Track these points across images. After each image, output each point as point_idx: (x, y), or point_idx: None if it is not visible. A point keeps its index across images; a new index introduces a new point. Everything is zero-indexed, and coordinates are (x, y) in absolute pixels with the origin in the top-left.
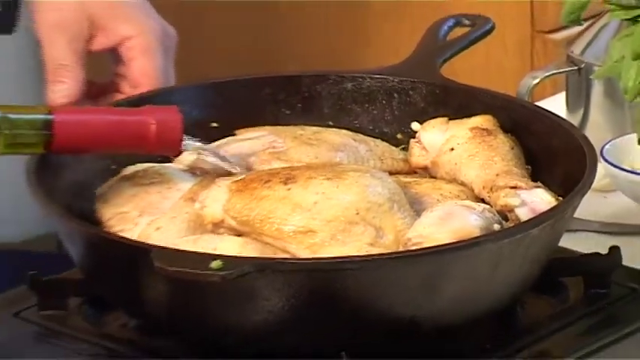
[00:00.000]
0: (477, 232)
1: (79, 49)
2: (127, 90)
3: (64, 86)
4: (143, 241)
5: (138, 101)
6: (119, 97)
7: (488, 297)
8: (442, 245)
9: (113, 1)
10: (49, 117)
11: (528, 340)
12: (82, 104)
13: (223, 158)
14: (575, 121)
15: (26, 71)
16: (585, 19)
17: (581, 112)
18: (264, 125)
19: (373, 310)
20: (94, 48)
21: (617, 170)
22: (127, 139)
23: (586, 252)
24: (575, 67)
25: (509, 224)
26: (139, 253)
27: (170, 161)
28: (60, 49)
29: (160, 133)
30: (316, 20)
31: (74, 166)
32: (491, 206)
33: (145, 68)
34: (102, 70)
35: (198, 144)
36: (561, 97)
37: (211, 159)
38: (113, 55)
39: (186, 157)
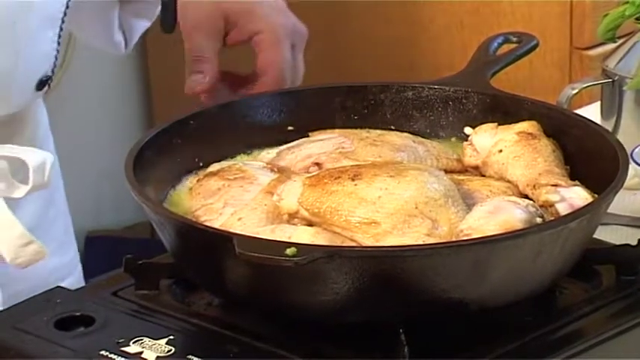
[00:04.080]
0: (521, 225)
1: (215, 44)
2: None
3: (201, 76)
4: (226, 229)
5: (225, 107)
6: (257, 87)
7: (530, 282)
8: (490, 236)
9: (246, 0)
10: None
11: (565, 320)
12: (221, 93)
13: None
14: (608, 127)
15: None
16: (619, 37)
17: (614, 119)
18: (334, 128)
19: (428, 293)
20: (229, 42)
21: None
22: None
23: (617, 243)
24: (610, 80)
25: (550, 218)
26: (223, 240)
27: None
28: (198, 44)
29: None
30: (381, 39)
31: (166, 163)
32: (534, 202)
33: (271, 58)
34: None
35: None
36: (596, 106)
37: None
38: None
39: (265, 156)
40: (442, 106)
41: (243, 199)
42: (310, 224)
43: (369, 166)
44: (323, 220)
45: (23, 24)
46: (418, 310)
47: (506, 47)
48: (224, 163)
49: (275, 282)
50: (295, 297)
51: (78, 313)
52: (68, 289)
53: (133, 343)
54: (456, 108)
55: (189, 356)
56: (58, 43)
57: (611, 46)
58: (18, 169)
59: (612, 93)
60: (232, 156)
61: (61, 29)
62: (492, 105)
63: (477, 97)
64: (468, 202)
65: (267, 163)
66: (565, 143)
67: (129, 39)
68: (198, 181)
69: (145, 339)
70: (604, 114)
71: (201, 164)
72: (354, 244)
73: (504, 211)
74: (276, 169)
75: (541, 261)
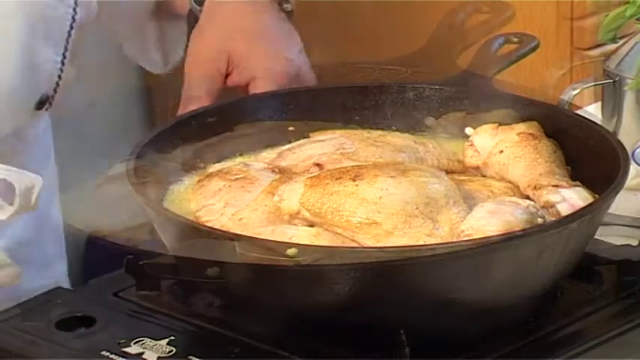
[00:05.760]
0: (522, 226)
1: (212, 84)
2: None
3: None
4: (227, 230)
5: (226, 107)
6: None
7: (531, 283)
8: (491, 237)
9: (254, 40)
10: None
11: (567, 321)
12: None
13: None
14: (609, 127)
15: None
16: (620, 37)
17: (615, 119)
18: (335, 129)
19: (429, 293)
20: (229, 84)
21: None
22: None
23: (619, 243)
24: (611, 80)
25: (551, 219)
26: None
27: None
28: (194, 82)
29: None
30: (381, 40)
31: (167, 164)
32: (535, 202)
33: None
34: None
35: None
36: (597, 106)
37: None
38: None
39: (266, 156)
40: (443, 106)
41: (244, 200)
42: (311, 225)
43: (370, 167)
44: (324, 220)
45: (24, 44)
46: (419, 311)
47: (507, 48)
48: (225, 164)
49: (276, 283)
50: (296, 298)
51: (79, 314)
52: (69, 290)
53: (134, 343)
54: (457, 108)
55: (190, 357)
56: (63, 63)
57: (612, 46)
58: (7, 190)
59: (613, 93)
60: (233, 157)
61: (66, 49)
62: (493, 105)
63: (478, 97)
64: (469, 203)
65: (268, 164)
66: (566, 144)
67: (171, 60)
68: (199, 181)
69: (146, 339)
70: (605, 114)
71: (202, 165)
72: (355, 244)
73: (505, 211)
74: (277, 170)
75: (542, 262)
